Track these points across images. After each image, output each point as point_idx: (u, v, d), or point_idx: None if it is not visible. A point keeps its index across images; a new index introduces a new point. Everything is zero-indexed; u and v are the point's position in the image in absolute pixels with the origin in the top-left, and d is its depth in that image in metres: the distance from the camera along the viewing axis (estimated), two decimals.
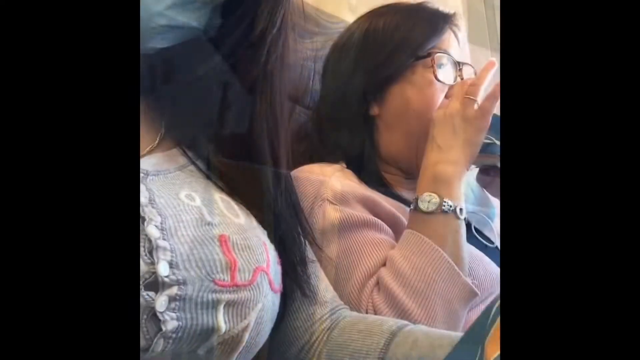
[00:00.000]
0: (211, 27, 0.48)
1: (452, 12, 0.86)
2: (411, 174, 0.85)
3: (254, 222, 0.47)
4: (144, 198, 0.41)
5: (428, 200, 0.66)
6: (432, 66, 0.79)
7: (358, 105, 0.82)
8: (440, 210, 0.65)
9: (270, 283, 0.44)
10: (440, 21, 0.83)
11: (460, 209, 0.66)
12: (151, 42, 0.45)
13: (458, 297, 0.61)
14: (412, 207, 0.68)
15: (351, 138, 0.82)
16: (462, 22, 0.87)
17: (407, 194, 0.84)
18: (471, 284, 0.62)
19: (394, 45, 0.81)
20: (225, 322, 0.39)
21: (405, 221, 0.72)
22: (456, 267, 0.62)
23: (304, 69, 0.93)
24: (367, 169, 0.81)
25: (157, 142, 0.49)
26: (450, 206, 0.65)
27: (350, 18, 0.98)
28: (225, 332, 0.39)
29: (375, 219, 0.70)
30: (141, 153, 0.46)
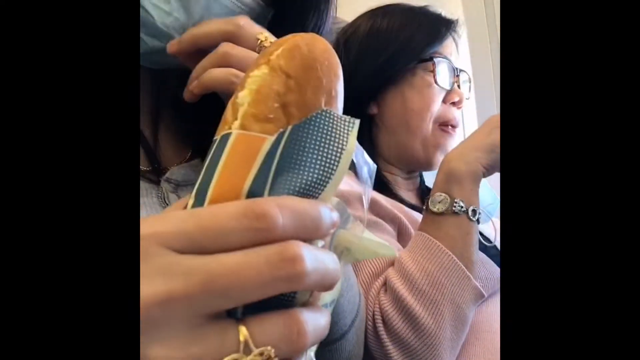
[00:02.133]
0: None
1: (454, 18, 0.88)
2: (410, 173, 0.87)
3: None
4: None
5: (439, 201, 0.65)
6: (433, 70, 0.82)
7: (357, 104, 0.83)
8: (451, 212, 0.63)
9: None
10: (442, 27, 0.85)
11: (473, 210, 0.64)
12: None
13: (467, 300, 0.60)
14: (424, 208, 0.67)
15: None
16: (462, 30, 0.89)
17: (405, 195, 0.85)
18: (480, 287, 0.62)
19: (397, 48, 0.83)
20: None
21: (405, 221, 0.73)
22: (466, 271, 0.61)
23: None
24: None
25: (188, 157, 0.51)
26: (462, 207, 0.63)
27: (348, 17, 0.98)
28: None
29: (377, 218, 0.70)
30: (174, 165, 0.49)
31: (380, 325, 0.59)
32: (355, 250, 0.30)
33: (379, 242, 0.31)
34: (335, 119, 0.26)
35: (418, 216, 0.77)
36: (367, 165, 0.30)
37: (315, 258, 0.22)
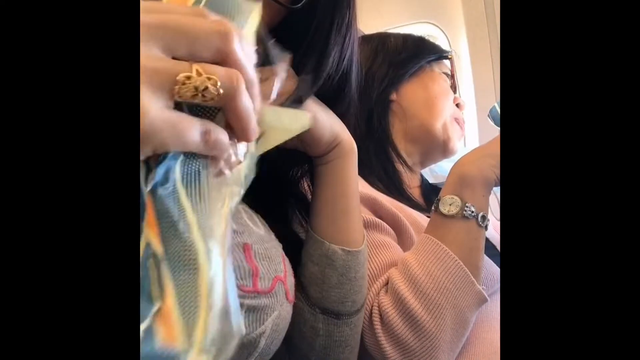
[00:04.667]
0: None
1: (450, 50, 1.00)
2: (422, 157, 0.94)
3: (272, 235, 0.49)
4: None
5: (450, 203, 0.64)
6: (452, 64, 0.94)
7: (378, 92, 0.90)
8: (462, 215, 0.63)
9: (286, 293, 0.45)
10: (442, 50, 0.96)
11: (483, 217, 0.64)
12: None
13: (470, 305, 0.60)
14: (433, 209, 0.66)
15: (369, 118, 0.89)
16: (462, 31, 1.01)
17: (408, 190, 0.86)
18: (484, 292, 0.61)
19: (418, 47, 0.93)
20: (245, 327, 0.40)
21: (405, 221, 0.73)
22: (471, 276, 0.61)
23: None
24: (378, 152, 0.87)
25: None
26: (472, 212, 0.63)
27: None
28: (244, 336, 0.40)
29: (378, 219, 0.70)
30: None
31: (378, 325, 0.59)
32: (268, 135, 0.36)
33: (295, 112, 0.38)
34: None
35: (418, 215, 0.77)
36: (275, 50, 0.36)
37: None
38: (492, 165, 0.65)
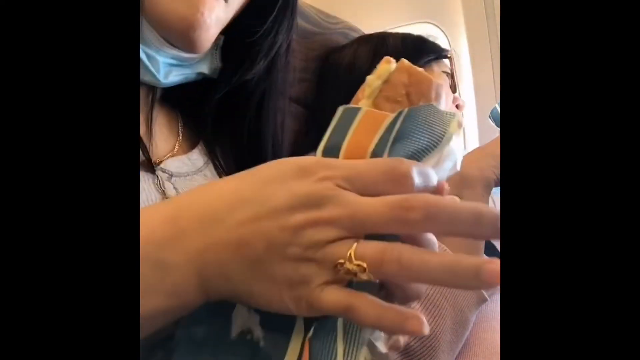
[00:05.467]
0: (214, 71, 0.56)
1: (449, 49, 1.00)
2: None
3: None
4: (175, 195, 0.49)
5: None
6: (452, 64, 0.93)
7: None
8: None
9: None
10: (442, 50, 0.95)
11: None
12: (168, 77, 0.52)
13: (469, 304, 0.60)
14: None
15: None
16: (462, 31, 0.99)
17: None
18: (484, 292, 0.61)
19: (417, 47, 0.92)
20: None
21: None
22: None
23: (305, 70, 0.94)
24: None
25: (176, 147, 0.55)
26: None
27: (348, 17, 1.00)
28: None
29: None
30: (164, 156, 0.54)
31: None
32: None
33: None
34: (441, 110, 0.34)
35: None
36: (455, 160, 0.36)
37: (430, 207, 0.30)
38: (492, 166, 0.65)
